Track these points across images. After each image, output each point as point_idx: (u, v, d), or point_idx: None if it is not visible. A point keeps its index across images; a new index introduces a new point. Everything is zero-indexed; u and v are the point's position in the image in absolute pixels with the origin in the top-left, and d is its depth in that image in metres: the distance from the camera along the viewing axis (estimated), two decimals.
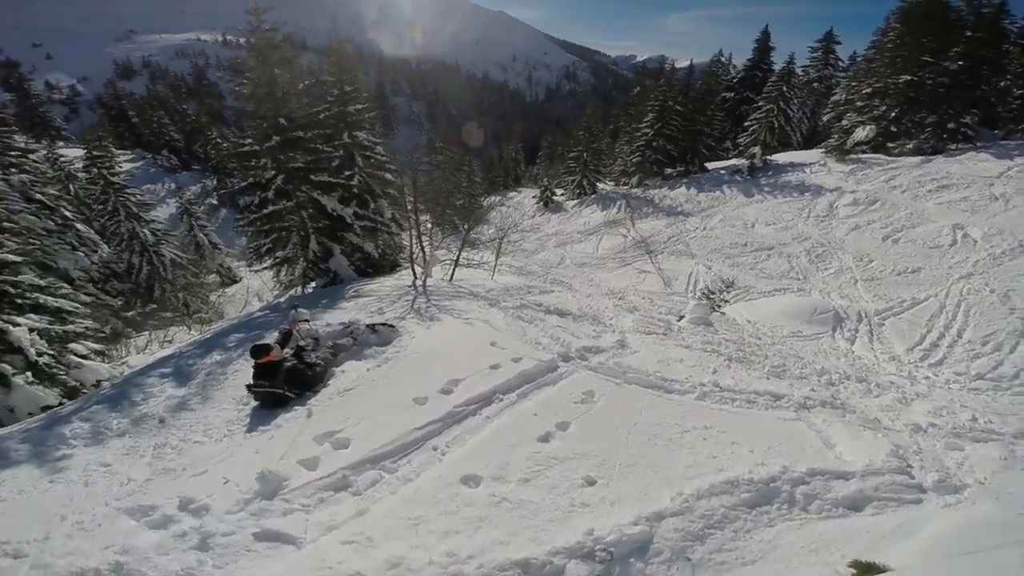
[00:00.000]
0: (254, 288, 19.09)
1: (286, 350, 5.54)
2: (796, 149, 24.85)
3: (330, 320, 6.56)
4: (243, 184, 10.92)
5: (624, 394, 4.99)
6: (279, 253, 12.99)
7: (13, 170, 14.93)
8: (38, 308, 7.57)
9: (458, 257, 10.88)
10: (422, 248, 10.49)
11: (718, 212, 18.64)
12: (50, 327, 7.27)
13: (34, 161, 15.52)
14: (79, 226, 17.84)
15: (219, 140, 27.05)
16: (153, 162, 29.75)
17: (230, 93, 9.63)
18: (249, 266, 15.29)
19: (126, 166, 27.09)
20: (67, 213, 17.52)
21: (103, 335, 11.49)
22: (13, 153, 14.35)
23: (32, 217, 14.34)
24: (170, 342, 12.38)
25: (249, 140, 10.47)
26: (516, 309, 7.94)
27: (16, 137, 14.98)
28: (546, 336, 6.55)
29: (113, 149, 22.18)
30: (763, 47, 31.07)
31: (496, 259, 12.28)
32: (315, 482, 3.57)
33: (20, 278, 7.41)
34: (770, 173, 21.49)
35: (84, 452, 4.41)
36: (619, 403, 4.76)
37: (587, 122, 29.19)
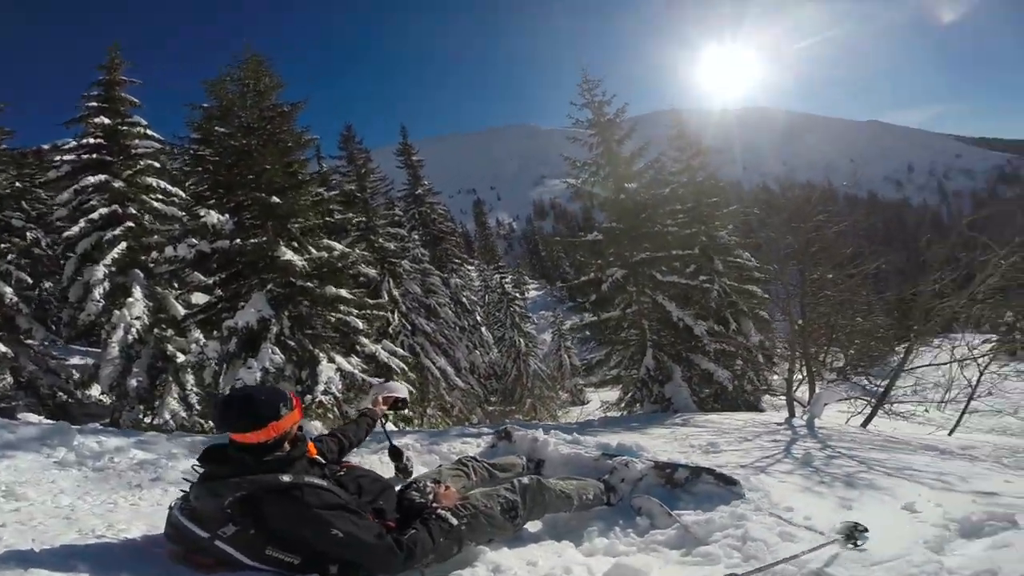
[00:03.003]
0: (588, 411, 17.99)
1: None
2: None
3: (601, 441, 3.37)
4: (579, 280, 9.95)
5: None
6: (610, 370, 11.17)
7: (454, 275, 19.77)
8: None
9: (881, 399, 6.19)
10: (810, 373, 6.47)
11: None
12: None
13: (467, 271, 20.30)
14: (483, 330, 22.07)
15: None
16: (550, 292, 36.20)
17: (573, 180, 9.15)
18: (583, 380, 14.17)
19: (532, 293, 33.46)
20: (478, 317, 21.99)
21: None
22: (456, 261, 19.15)
23: (451, 313, 18.35)
24: None
25: (594, 233, 9.57)
26: None
27: (459, 251, 20.17)
28: None
29: (527, 278, 27.76)
30: None
31: (963, 411, 6.60)
32: None
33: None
34: None
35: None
36: None
37: None
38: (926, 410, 7.81)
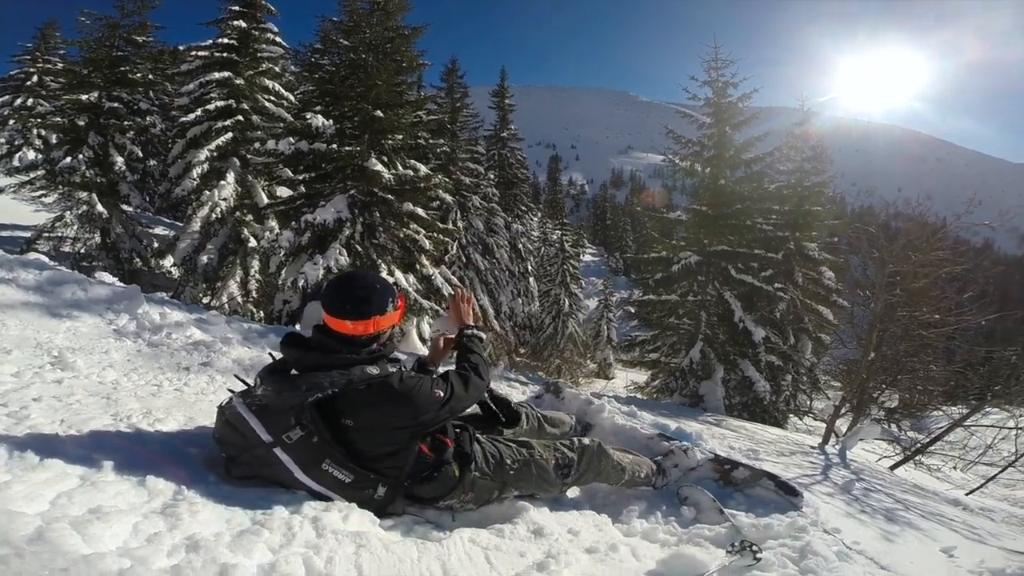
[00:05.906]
0: (612, 388, 18.00)
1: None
2: None
3: (659, 421, 3.18)
4: (648, 255, 9.65)
5: None
6: (650, 352, 11.01)
7: (518, 221, 19.67)
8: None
9: (925, 447, 6.08)
10: (859, 407, 6.20)
11: None
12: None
13: (529, 220, 20.16)
14: (531, 280, 22.09)
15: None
16: (605, 260, 35.59)
17: (670, 154, 8.60)
18: (617, 355, 14.09)
19: (587, 257, 32.86)
20: (530, 267, 21.98)
21: None
22: (522, 208, 19.02)
23: (505, 256, 18.44)
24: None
25: (678, 212, 9.17)
26: None
27: (527, 200, 19.98)
28: None
29: (586, 241, 27.23)
30: None
31: (992, 477, 6.45)
32: None
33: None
34: None
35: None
36: None
37: None
38: (955, 467, 7.63)
